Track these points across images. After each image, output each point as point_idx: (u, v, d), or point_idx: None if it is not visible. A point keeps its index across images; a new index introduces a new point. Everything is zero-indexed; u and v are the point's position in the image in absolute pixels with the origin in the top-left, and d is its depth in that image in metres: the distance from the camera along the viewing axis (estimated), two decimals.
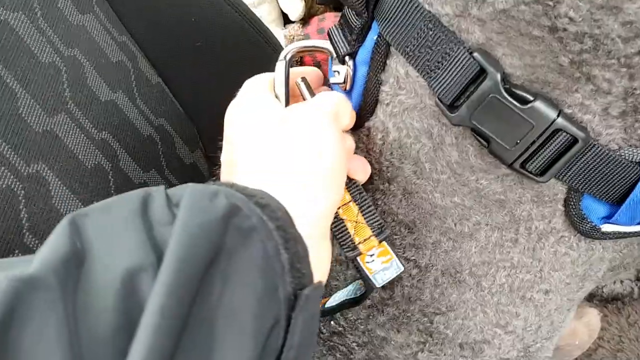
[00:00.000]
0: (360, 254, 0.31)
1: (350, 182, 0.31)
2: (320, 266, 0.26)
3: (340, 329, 0.41)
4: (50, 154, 0.35)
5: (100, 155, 0.40)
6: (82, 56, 0.42)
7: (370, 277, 0.33)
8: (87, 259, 0.19)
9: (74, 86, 0.40)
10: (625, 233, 0.32)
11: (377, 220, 0.31)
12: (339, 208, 0.31)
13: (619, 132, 0.28)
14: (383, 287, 0.36)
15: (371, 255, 0.32)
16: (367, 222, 0.31)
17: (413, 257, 0.35)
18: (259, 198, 0.23)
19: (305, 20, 0.86)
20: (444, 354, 0.38)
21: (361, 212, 0.31)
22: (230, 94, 0.60)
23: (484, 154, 0.30)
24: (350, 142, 0.32)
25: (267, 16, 0.81)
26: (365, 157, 0.34)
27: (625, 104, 0.27)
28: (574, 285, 0.36)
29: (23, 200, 0.32)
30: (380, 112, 0.33)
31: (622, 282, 0.67)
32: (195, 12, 0.53)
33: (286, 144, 0.28)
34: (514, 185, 0.31)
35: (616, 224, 0.31)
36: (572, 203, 0.31)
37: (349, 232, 0.31)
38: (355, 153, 0.34)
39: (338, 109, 0.30)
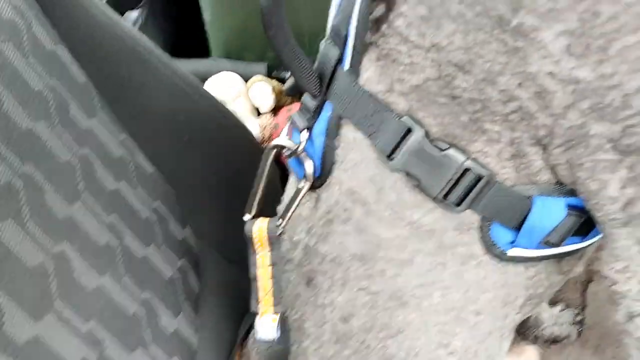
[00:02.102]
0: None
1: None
2: None
3: None
4: None
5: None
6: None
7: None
8: None
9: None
10: (529, 257, 0.41)
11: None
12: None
13: (511, 172, 0.38)
14: (344, 320, 0.44)
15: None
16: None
17: (366, 286, 0.43)
18: None
19: (275, 111, 0.97)
20: None
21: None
22: (212, 177, 0.68)
23: (416, 192, 0.40)
24: None
25: (242, 108, 0.92)
26: (324, 206, 0.44)
27: (512, 149, 0.37)
28: (499, 310, 0.44)
29: None
30: (336, 170, 0.43)
31: (562, 324, 0.75)
32: (184, 113, 0.62)
33: None
34: (440, 216, 0.40)
35: (519, 248, 0.40)
36: (484, 230, 0.40)
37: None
38: (318, 206, 0.44)
39: None
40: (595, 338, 0.75)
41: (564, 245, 0.42)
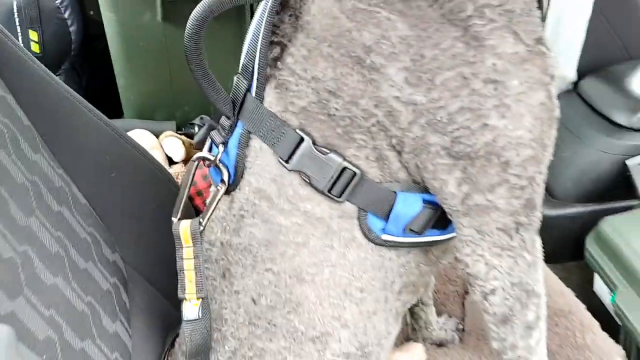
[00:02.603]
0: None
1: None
2: None
3: (233, 346, 0.56)
4: None
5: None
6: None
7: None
8: None
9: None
10: (399, 243, 0.53)
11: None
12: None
13: (377, 171, 0.51)
14: (254, 301, 0.54)
15: None
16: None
17: (270, 267, 0.53)
18: None
19: (186, 162, 1.08)
20: (305, 352, 0.54)
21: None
22: (136, 210, 0.77)
23: (308, 188, 0.51)
24: None
25: (157, 158, 1.02)
26: (237, 204, 0.54)
27: (376, 153, 0.50)
28: (379, 291, 0.54)
29: None
30: (246, 174, 0.54)
31: (446, 330, 0.88)
32: (110, 154, 0.72)
33: None
34: (327, 207, 0.52)
35: (389, 234, 0.52)
36: (361, 218, 0.52)
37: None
38: (232, 206, 0.55)
39: None
40: (474, 340, 0.88)
41: (426, 235, 0.53)
